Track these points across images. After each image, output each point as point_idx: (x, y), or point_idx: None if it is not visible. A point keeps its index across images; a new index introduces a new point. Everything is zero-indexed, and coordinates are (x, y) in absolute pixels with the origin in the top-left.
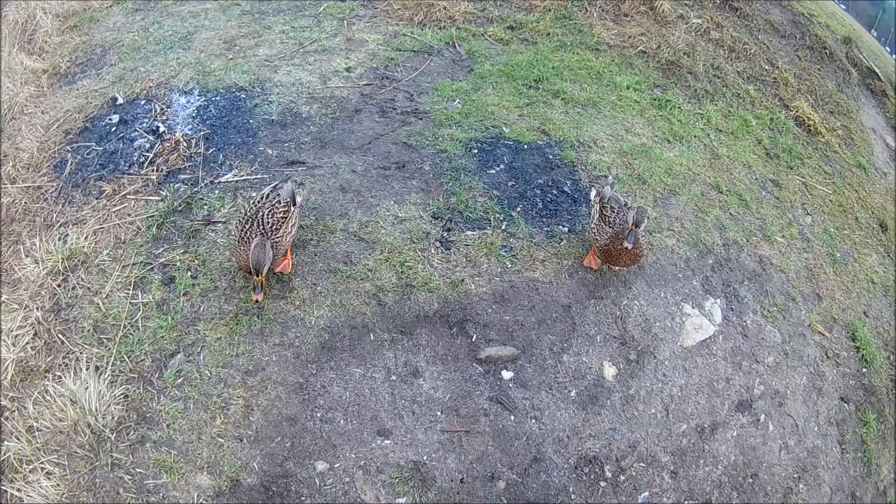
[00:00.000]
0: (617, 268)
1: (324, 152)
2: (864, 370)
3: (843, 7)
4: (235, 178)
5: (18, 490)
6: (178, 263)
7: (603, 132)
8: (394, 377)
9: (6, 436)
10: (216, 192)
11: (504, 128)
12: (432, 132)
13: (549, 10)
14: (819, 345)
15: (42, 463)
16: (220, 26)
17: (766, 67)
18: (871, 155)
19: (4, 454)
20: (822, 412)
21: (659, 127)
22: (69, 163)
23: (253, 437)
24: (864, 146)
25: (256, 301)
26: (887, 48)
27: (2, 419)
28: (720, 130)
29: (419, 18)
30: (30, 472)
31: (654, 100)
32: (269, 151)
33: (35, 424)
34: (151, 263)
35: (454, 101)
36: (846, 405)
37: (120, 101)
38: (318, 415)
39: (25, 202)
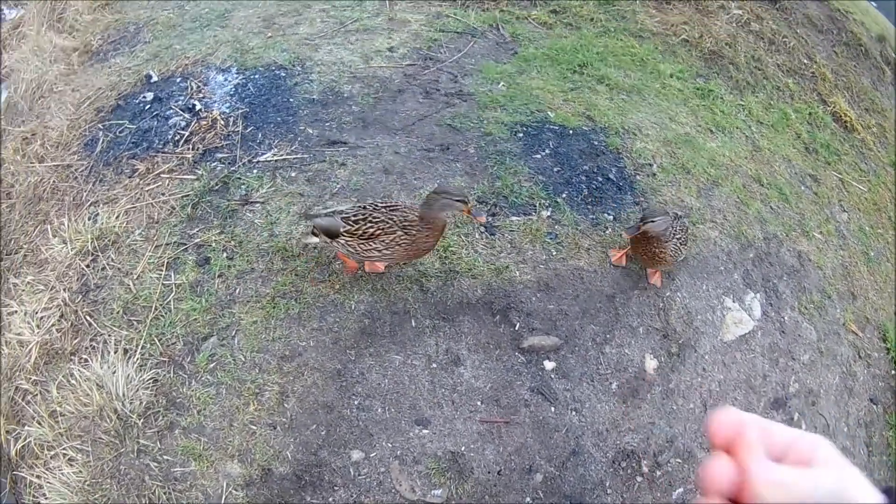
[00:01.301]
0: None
1: (366, 132)
2: (894, 372)
3: (874, 4)
4: (275, 158)
5: (38, 477)
6: (214, 244)
7: (647, 120)
8: (434, 365)
9: (27, 420)
10: (255, 171)
11: (549, 112)
12: (477, 115)
13: None
14: (852, 344)
15: (64, 449)
16: (258, 4)
17: (805, 61)
18: None
19: (25, 440)
20: (852, 413)
21: (702, 117)
22: (101, 141)
23: (287, 425)
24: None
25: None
26: None
27: (24, 403)
28: (761, 122)
29: (462, 0)
30: (51, 458)
31: (697, 89)
32: (310, 131)
33: (58, 409)
34: (185, 244)
35: (499, 83)
36: (875, 407)
37: (154, 78)
38: (356, 402)
39: (54, 181)
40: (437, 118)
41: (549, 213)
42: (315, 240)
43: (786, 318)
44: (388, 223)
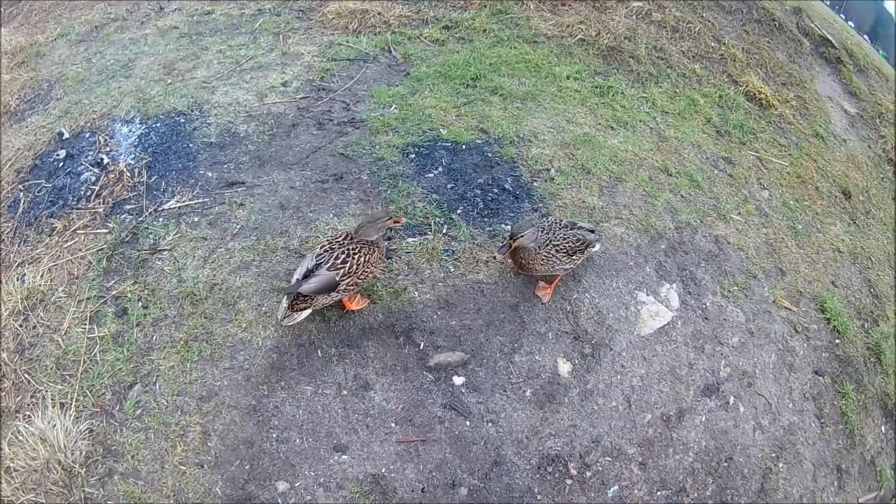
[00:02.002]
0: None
1: (262, 171)
2: (838, 341)
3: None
4: (178, 205)
5: None
6: (129, 294)
7: (543, 125)
8: (345, 392)
9: None
10: (160, 219)
11: (441, 129)
12: (369, 140)
13: (485, 6)
14: (786, 320)
15: (21, 502)
16: (159, 51)
17: (713, 45)
18: (828, 123)
19: None
20: (795, 388)
21: (602, 115)
22: (22, 202)
23: (213, 463)
24: (820, 115)
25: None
26: (841, 15)
27: None
28: (666, 112)
29: (354, 26)
30: None
31: (596, 87)
32: (210, 174)
33: (11, 465)
34: (104, 297)
35: (391, 106)
36: (821, 378)
37: (66, 135)
38: (274, 435)
39: None
40: (330, 149)
41: (444, 231)
42: (305, 313)
43: (707, 303)
44: (362, 246)
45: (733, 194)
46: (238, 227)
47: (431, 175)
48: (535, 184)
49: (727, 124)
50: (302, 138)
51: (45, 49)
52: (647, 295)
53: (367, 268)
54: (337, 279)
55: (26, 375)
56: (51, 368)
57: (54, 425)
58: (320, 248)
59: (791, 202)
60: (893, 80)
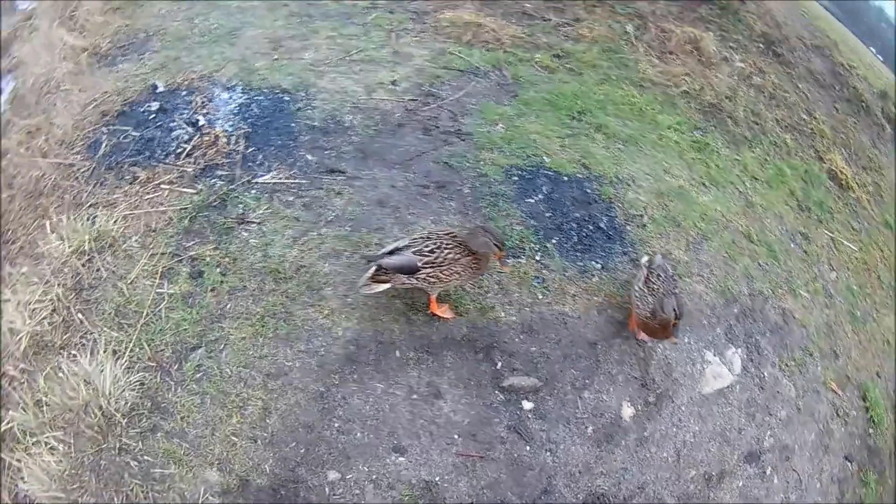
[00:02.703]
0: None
1: (364, 164)
2: (871, 431)
3: (881, 58)
4: (273, 180)
5: (18, 460)
6: (208, 259)
7: (642, 171)
8: (415, 396)
9: (12, 406)
10: (253, 191)
11: (545, 157)
12: (474, 155)
13: (597, 41)
14: (831, 402)
15: (47, 437)
16: (266, 25)
17: (804, 117)
18: None
19: (8, 424)
20: (825, 470)
21: (696, 170)
22: (104, 144)
23: (268, 440)
24: (892, 204)
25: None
26: None
27: (10, 389)
28: (755, 178)
29: (467, 38)
30: (33, 444)
31: (694, 142)
32: (309, 157)
33: (44, 399)
34: (180, 255)
35: (497, 125)
36: (850, 464)
37: (160, 88)
38: (336, 425)
39: (56, 178)
40: (434, 155)
41: (538, 258)
42: (383, 286)
43: (766, 374)
44: (460, 248)
45: (805, 270)
46: (333, 214)
47: (531, 200)
48: (627, 227)
49: (808, 200)
50: (407, 140)
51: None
52: (714, 355)
53: (453, 268)
54: (418, 265)
55: (80, 315)
56: (108, 314)
57: (102, 370)
58: (419, 234)
59: (854, 287)
60: None
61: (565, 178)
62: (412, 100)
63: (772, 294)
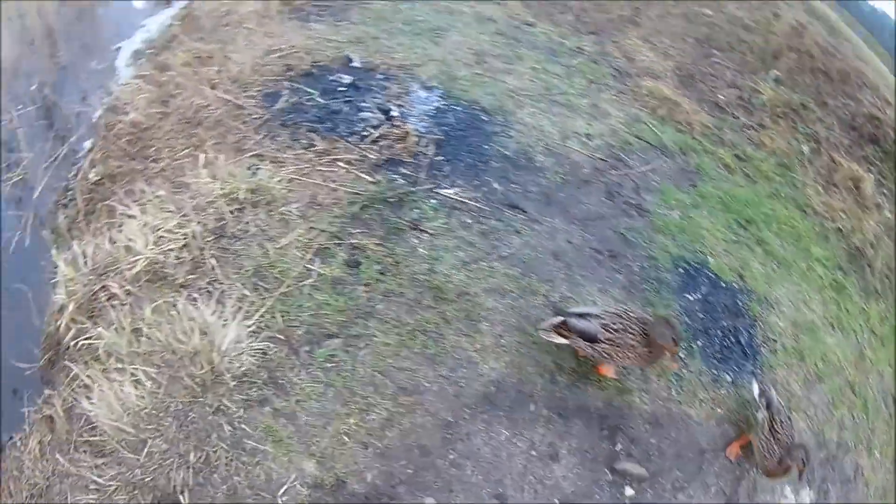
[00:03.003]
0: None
1: (547, 210)
2: None
3: None
4: (456, 197)
5: (90, 378)
6: (370, 253)
7: (787, 296)
8: (534, 452)
9: (103, 323)
10: (433, 201)
11: (710, 258)
12: (649, 235)
13: (775, 153)
14: None
15: (136, 369)
16: (472, 35)
17: None
18: None
19: (92, 338)
20: None
21: (830, 309)
22: (283, 98)
23: (380, 451)
24: None
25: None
26: None
27: (107, 304)
28: (874, 332)
29: (662, 113)
30: (115, 369)
31: (834, 281)
32: (496, 186)
33: (145, 330)
34: (342, 239)
35: (674, 210)
36: None
37: (355, 63)
38: (451, 457)
39: (221, 114)
40: (613, 223)
41: (682, 354)
42: (562, 340)
43: None
44: (643, 336)
45: (886, 432)
46: (508, 251)
47: (690, 297)
48: (762, 349)
49: None
50: (591, 198)
51: None
52: (791, 492)
53: (628, 353)
54: (599, 337)
55: (212, 260)
56: (246, 271)
57: (225, 324)
58: (613, 308)
59: None
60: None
61: (723, 284)
62: (602, 159)
63: (852, 448)
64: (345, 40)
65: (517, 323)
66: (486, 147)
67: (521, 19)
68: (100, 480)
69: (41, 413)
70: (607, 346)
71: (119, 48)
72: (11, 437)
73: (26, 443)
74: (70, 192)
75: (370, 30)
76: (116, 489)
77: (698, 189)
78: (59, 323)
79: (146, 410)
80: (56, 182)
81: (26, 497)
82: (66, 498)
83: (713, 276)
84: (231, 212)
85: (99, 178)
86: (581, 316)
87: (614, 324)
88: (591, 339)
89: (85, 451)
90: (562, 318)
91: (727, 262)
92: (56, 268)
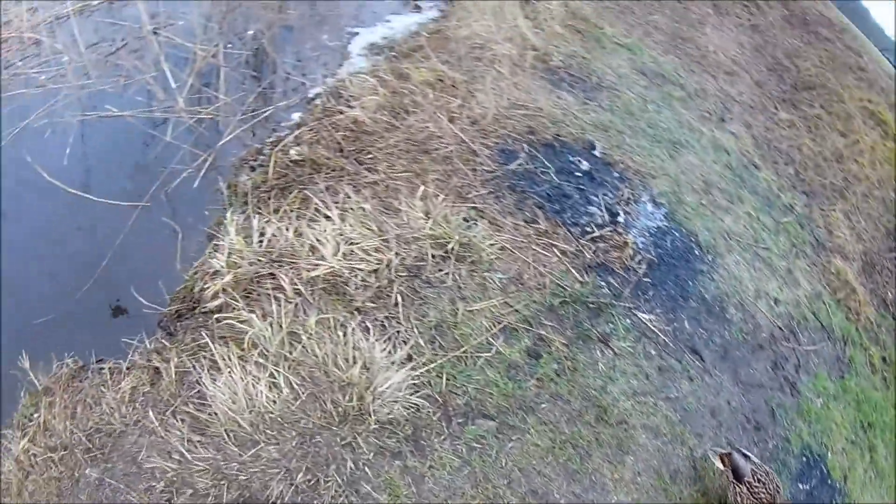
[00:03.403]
0: None
1: (721, 365)
2: None
3: None
4: (650, 324)
5: (225, 360)
6: (553, 350)
7: None
8: None
9: (258, 309)
10: (628, 320)
11: (829, 453)
12: (792, 417)
13: None
14: None
15: (279, 372)
16: (706, 160)
17: None
18: None
19: (244, 323)
20: None
21: None
22: (519, 162)
23: None
24: None
25: None
26: None
27: (271, 292)
28: None
29: (840, 296)
30: (256, 363)
31: None
32: (687, 325)
33: (304, 338)
34: (531, 326)
35: (819, 397)
36: None
37: (597, 152)
38: None
39: (452, 151)
40: (768, 395)
41: None
42: (721, 466)
43: None
44: (769, 499)
45: None
46: (675, 395)
47: (800, 486)
48: None
49: None
50: (759, 364)
51: (605, 40)
52: None
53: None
54: (745, 479)
55: (398, 297)
56: (429, 322)
57: (390, 367)
58: (765, 466)
59: None
60: None
61: (829, 482)
62: (780, 328)
63: None
64: (590, 123)
65: (657, 467)
66: (691, 284)
67: (750, 159)
68: (187, 455)
69: (148, 361)
70: (746, 489)
71: (356, 33)
72: (101, 360)
73: (117, 381)
74: (262, 158)
75: (616, 120)
76: (202, 471)
77: (844, 382)
78: (207, 286)
79: (272, 415)
80: (248, 139)
81: (90, 427)
82: (139, 452)
83: (826, 471)
84: (433, 256)
85: (301, 159)
86: (744, 456)
87: (760, 477)
88: (739, 477)
89: (183, 421)
90: (730, 451)
91: (839, 462)
92: (222, 228)
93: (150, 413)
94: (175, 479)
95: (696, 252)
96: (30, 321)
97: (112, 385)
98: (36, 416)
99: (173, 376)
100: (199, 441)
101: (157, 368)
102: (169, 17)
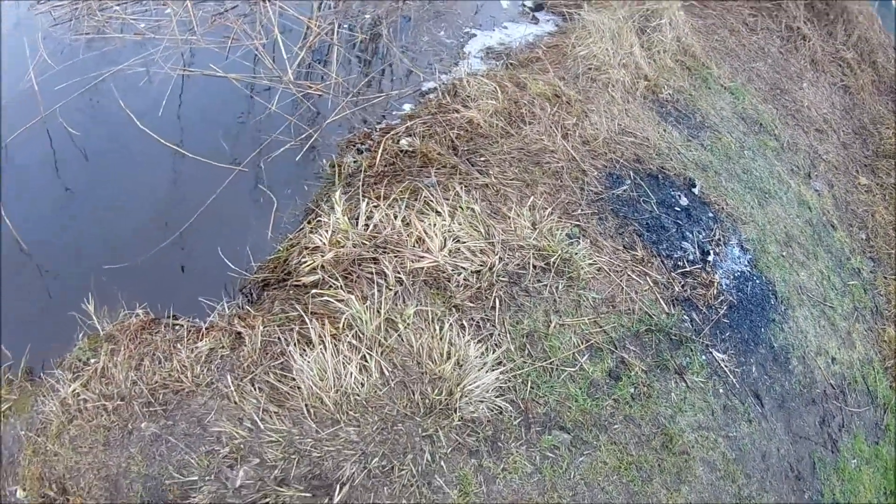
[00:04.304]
0: None
1: (777, 413)
2: None
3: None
4: (723, 364)
5: (319, 337)
6: (633, 374)
7: None
8: None
9: (358, 295)
10: (703, 357)
11: None
12: (829, 473)
13: None
14: None
15: (370, 355)
16: (790, 213)
17: None
18: None
19: (342, 302)
20: None
21: None
22: (624, 188)
23: None
24: None
25: None
26: None
27: (368, 278)
28: None
29: (889, 364)
30: (349, 344)
31: None
32: (754, 370)
33: (401, 326)
34: (615, 349)
35: (855, 458)
36: None
37: (696, 190)
38: None
39: (562, 167)
40: (812, 449)
41: None
42: None
43: None
44: None
45: None
46: (734, 434)
47: None
48: None
49: None
50: (809, 418)
51: (711, 81)
52: None
53: None
54: None
55: (497, 301)
56: (522, 329)
57: (482, 368)
58: None
59: None
60: None
61: None
62: (832, 386)
63: None
64: (691, 160)
65: (708, 499)
66: (762, 331)
67: (829, 218)
68: (260, 423)
69: (230, 324)
70: None
71: (473, 35)
72: (177, 318)
73: (194, 340)
74: (370, 143)
75: (714, 161)
76: (273, 442)
77: (878, 448)
78: (305, 260)
79: (358, 397)
80: (355, 121)
81: (156, 382)
82: (207, 415)
83: None
84: (535, 266)
85: (412, 150)
86: None
87: None
88: None
89: (260, 390)
90: None
91: None
92: (325, 206)
93: (228, 377)
94: (242, 445)
95: (772, 301)
96: (101, 265)
97: (188, 343)
98: (93, 361)
99: (258, 344)
100: (275, 412)
101: (238, 333)
102: None
